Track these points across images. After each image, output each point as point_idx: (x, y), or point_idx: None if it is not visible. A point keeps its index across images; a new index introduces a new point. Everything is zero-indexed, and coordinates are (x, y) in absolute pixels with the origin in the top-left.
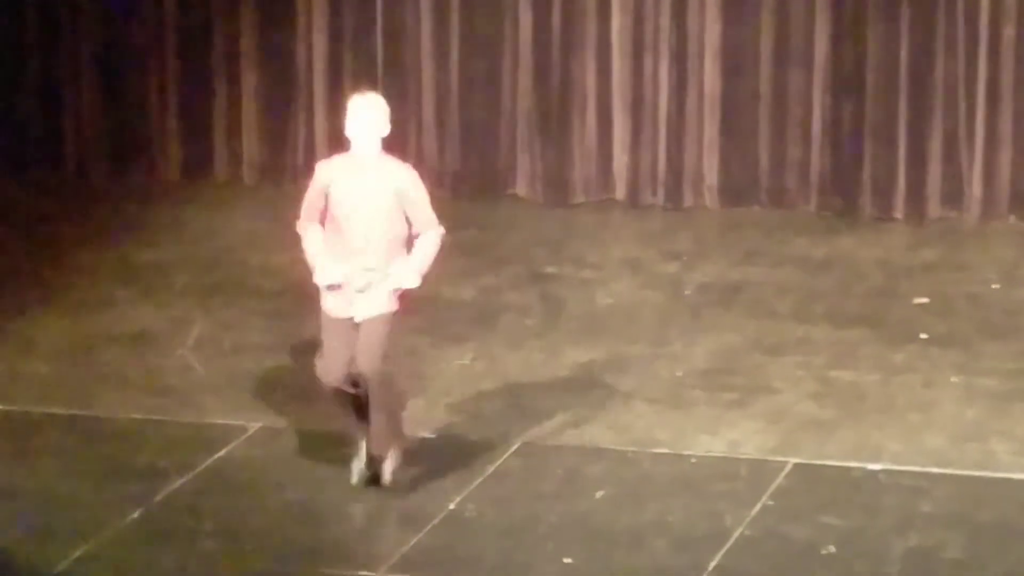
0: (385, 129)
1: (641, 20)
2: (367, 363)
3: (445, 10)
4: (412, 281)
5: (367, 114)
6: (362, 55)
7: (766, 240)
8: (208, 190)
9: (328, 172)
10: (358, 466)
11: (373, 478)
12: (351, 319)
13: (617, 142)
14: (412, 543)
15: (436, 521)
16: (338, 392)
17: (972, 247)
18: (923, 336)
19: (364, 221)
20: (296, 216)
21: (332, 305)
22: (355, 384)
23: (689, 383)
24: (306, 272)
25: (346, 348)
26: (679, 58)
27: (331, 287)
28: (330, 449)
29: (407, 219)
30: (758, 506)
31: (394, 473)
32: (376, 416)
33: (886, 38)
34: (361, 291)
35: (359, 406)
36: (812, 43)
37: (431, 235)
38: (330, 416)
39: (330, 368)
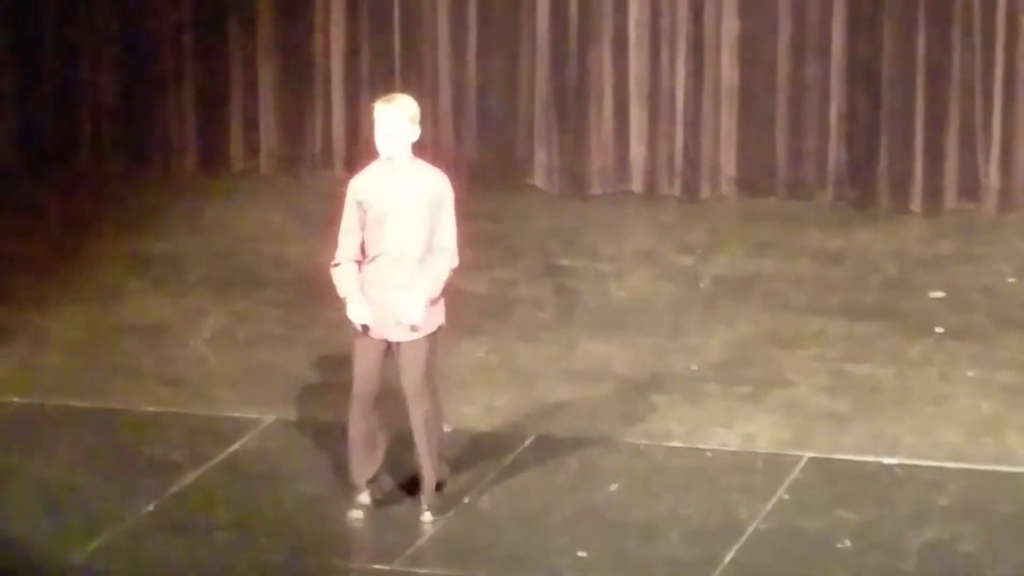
0: (413, 134)
1: (658, 12)
2: (409, 383)
3: (462, 2)
4: (415, 317)
5: (388, 122)
6: (379, 46)
7: (782, 232)
8: (225, 181)
9: (361, 186)
10: (358, 512)
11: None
12: (385, 340)
13: (634, 133)
14: (426, 536)
15: (450, 513)
16: (367, 422)
17: (988, 239)
18: (939, 329)
19: (399, 230)
20: (332, 247)
21: (372, 331)
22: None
23: (704, 376)
24: (321, 265)
25: (378, 373)
26: (696, 50)
27: (362, 327)
28: (344, 441)
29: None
30: (773, 499)
31: (431, 506)
32: (420, 441)
33: (903, 30)
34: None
35: (374, 451)
36: (829, 35)
37: (442, 265)
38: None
39: (365, 386)
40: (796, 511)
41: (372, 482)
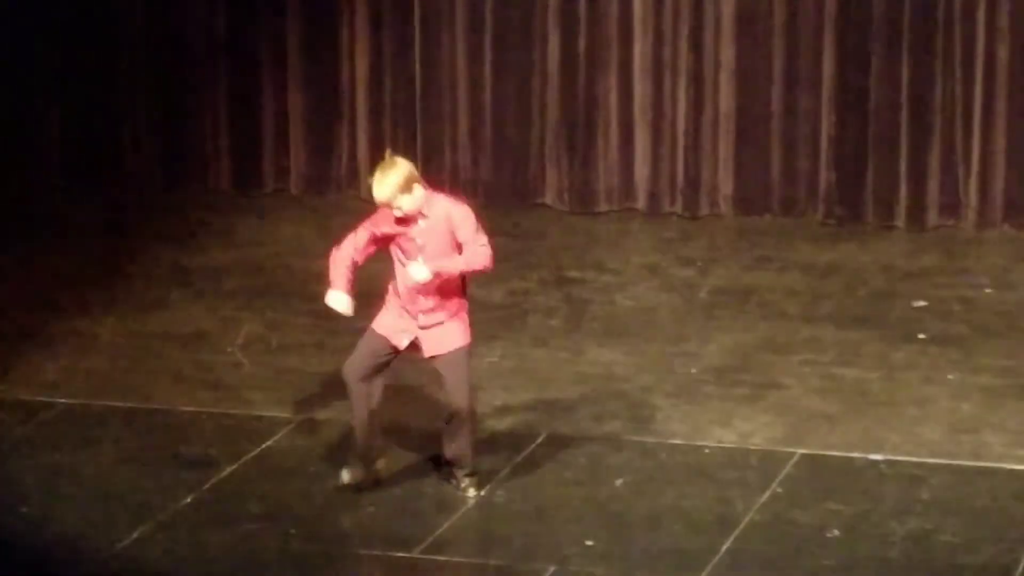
0: (417, 193)
1: (661, 44)
2: (459, 400)
3: (479, 34)
4: (422, 273)
5: (386, 199)
6: (401, 75)
7: (776, 246)
8: (258, 200)
9: (385, 218)
10: (350, 472)
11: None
12: (396, 347)
13: (638, 156)
14: (445, 526)
15: (468, 506)
16: (359, 389)
17: (968, 254)
18: (921, 336)
19: (421, 259)
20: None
21: (385, 330)
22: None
23: (703, 379)
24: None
25: (376, 359)
26: (696, 78)
27: (334, 309)
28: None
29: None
30: (767, 493)
31: (472, 480)
32: (462, 442)
33: (888, 60)
34: (425, 329)
35: (372, 412)
36: (820, 64)
37: (475, 248)
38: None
39: (355, 366)
40: (789, 504)
41: (369, 467)
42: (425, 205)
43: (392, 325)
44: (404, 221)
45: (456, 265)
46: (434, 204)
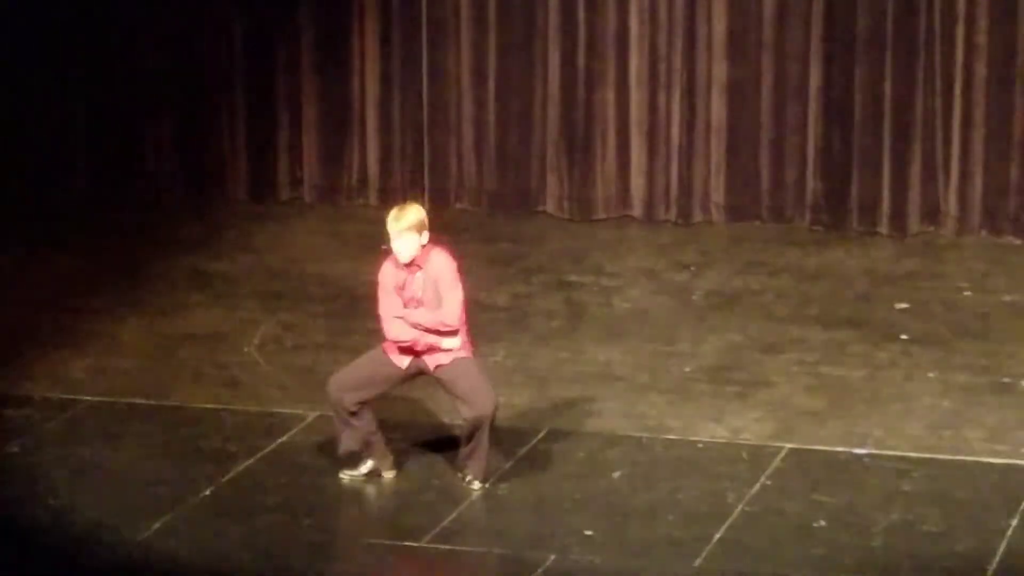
0: (424, 238)
1: (656, 59)
2: (488, 403)
3: (483, 50)
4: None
5: (399, 237)
6: (408, 90)
7: (765, 252)
8: (273, 208)
9: (390, 273)
10: (359, 471)
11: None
12: (396, 364)
13: (634, 166)
14: (451, 517)
15: (473, 498)
16: (339, 398)
17: (948, 259)
18: (904, 336)
19: (421, 310)
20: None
21: (389, 348)
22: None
23: (696, 377)
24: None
25: (368, 371)
26: (689, 92)
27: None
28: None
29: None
30: (757, 485)
31: (482, 481)
32: (482, 444)
33: (872, 74)
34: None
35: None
36: (807, 79)
37: (439, 315)
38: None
39: (343, 377)
40: (778, 496)
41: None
42: (423, 256)
43: (394, 348)
44: (407, 269)
45: (423, 321)
46: (431, 258)
